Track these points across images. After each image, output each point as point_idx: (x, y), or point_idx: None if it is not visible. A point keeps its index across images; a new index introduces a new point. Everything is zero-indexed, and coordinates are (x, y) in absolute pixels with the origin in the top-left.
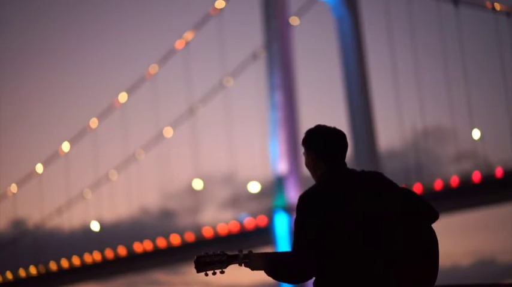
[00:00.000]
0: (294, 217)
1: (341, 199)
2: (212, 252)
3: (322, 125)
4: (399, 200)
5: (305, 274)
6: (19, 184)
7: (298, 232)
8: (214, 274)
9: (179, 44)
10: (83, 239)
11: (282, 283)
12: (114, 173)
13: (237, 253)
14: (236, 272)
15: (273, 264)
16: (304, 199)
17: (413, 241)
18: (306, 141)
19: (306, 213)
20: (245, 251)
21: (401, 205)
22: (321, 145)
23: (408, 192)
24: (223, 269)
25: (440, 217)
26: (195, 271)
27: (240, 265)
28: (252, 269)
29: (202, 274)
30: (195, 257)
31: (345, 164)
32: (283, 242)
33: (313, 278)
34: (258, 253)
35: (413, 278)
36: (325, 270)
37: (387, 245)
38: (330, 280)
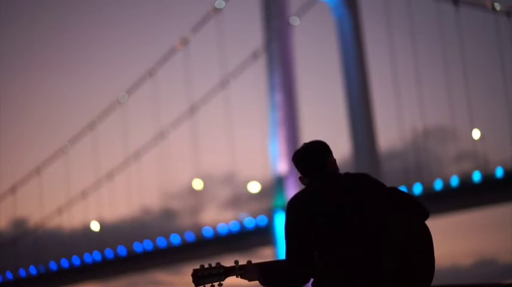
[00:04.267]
0: (284, 222)
1: (328, 201)
2: (209, 265)
3: (303, 144)
4: (387, 199)
5: (301, 277)
6: (19, 184)
7: (289, 237)
8: None
9: (179, 44)
10: (83, 239)
11: None
12: (115, 173)
13: (233, 264)
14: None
15: (267, 273)
16: (291, 203)
17: (407, 238)
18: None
19: (294, 217)
20: (242, 262)
21: (390, 205)
22: (298, 165)
23: (397, 191)
24: (221, 282)
25: (440, 217)
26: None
27: (237, 276)
28: (249, 281)
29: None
30: (192, 270)
31: (328, 172)
32: (283, 242)
33: (311, 280)
34: (253, 264)
35: (409, 276)
36: (319, 272)
37: (379, 245)
38: (326, 280)
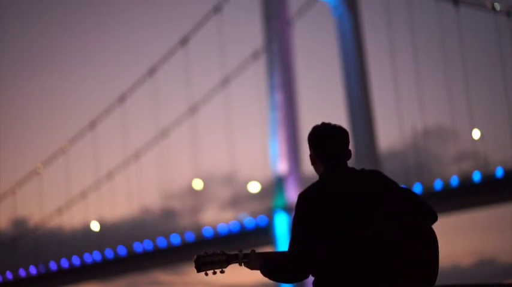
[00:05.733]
0: (292, 215)
1: (338, 198)
2: (212, 252)
3: (323, 124)
4: (398, 199)
5: (301, 273)
6: (19, 184)
7: (294, 231)
8: (214, 273)
9: (179, 44)
10: (83, 239)
11: (282, 284)
12: (114, 173)
13: (237, 252)
14: (238, 271)
15: (269, 264)
16: (301, 198)
17: (412, 240)
18: (308, 139)
19: (302, 212)
20: (246, 251)
21: (400, 205)
22: (317, 144)
23: (407, 192)
24: (224, 269)
25: (440, 217)
26: (195, 270)
27: (240, 264)
28: (251, 269)
29: (203, 273)
30: (195, 256)
31: (343, 162)
32: (283, 242)
33: (312, 278)
34: (257, 253)
35: (412, 277)
36: (322, 269)
37: (385, 245)
38: (328, 280)
